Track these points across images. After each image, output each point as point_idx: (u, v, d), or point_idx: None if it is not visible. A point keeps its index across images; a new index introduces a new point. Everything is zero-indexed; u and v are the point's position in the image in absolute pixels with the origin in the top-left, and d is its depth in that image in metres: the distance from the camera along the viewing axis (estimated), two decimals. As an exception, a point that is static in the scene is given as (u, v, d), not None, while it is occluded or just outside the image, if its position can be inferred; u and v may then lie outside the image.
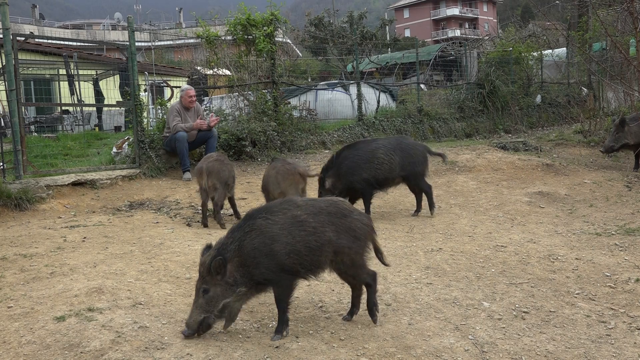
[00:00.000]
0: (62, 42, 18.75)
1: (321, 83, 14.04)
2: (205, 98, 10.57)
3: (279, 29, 10.52)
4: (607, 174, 8.55)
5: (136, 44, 8.24)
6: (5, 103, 9.59)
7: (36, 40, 15.85)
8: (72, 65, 14.07)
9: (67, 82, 13.95)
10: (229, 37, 9.89)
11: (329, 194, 6.26)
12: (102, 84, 14.91)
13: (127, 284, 3.79)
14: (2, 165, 6.87)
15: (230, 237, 3.11)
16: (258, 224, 3.11)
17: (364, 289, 3.39)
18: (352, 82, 12.57)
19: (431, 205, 6.44)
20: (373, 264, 3.43)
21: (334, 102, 12.23)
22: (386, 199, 7.25)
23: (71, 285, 3.70)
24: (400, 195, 7.40)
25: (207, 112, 9.11)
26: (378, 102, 12.55)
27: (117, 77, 14.42)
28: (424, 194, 6.54)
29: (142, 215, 6.14)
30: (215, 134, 8.14)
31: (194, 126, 7.84)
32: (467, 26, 64.36)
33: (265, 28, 9.46)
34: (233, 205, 6.25)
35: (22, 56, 10.27)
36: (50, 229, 5.47)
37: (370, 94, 12.48)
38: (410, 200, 7.15)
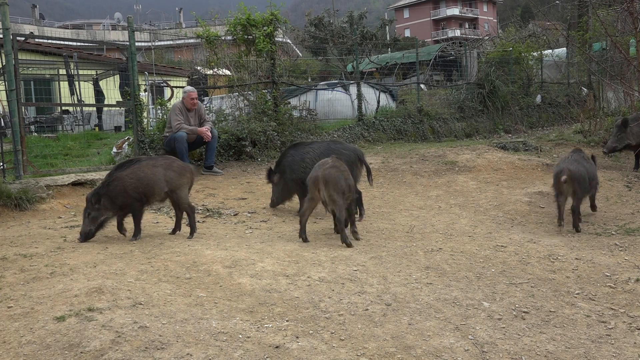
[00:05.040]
0: (62, 42, 18.74)
1: (321, 83, 14.03)
2: (206, 98, 10.57)
3: (279, 29, 10.51)
4: (607, 174, 8.54)
5: (136, 44, 8.25)
6: (5, 103, 9.59)
7: (36, 40, 15.82)
8: (72, 65, 14.07)
9: (67, 82, 13.95)
10: (229, 37, 9.88)
11: (276, 187, 6.41)
12: (102, 84, 14.90)
13: (127, 284, 3.79)
14: (2, 165, 6.87)
15: None
16: None
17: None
18: (352, 82, 12.57)
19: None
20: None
21: (334, 102, 12.24)
22: (386, 198, 7.25)
23: (71, 285, 3.70)
24: (400, 195, 7.41)
25: (208, 112, 9.11)
26: (378, 102, 12.55)
27: (117, 77, 14.42)
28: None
29: (142, 215, 6.13)
30: (216, 134, 8.15)
31: (197, 132, 7.84)
32: (467, 26, 64.36)
33: (265, 28, 9.46)
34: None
35: (22, 56, 10.27)
36: (50, 229, 5.47)
37: (370, 94, 12.48)
38: (411, 200, 7.16)
